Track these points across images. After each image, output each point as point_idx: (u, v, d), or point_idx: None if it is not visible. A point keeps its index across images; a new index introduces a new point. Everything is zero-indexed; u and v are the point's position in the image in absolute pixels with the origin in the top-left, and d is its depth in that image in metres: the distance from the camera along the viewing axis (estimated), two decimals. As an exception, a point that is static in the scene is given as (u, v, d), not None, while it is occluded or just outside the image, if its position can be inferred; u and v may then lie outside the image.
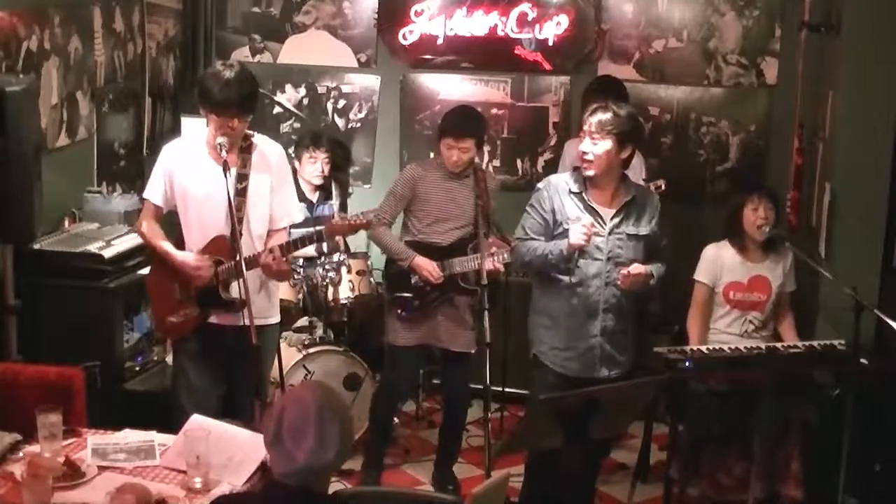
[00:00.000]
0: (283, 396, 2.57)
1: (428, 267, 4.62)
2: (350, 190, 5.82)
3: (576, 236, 3.86)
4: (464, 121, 4.69)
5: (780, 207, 4.78)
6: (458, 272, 4.66)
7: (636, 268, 3.91)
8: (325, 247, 5.13)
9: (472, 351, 4.81)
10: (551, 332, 4.08)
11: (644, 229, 4.03)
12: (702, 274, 4.61)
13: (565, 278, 3.99)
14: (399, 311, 4.70)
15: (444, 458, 4.98)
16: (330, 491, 2.59)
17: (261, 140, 4.10)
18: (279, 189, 4.11)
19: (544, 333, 4.11)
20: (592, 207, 3.98)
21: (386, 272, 4.91)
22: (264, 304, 4.11)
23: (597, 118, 3.88)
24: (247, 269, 3.78)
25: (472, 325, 4.79)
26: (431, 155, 5.37)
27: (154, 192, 4.09)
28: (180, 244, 4.13)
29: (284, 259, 3.94)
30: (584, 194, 3.98)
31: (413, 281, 4.68)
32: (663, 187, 4.92)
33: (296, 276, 5.17)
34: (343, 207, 5.68)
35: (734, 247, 4.57)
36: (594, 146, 3.87)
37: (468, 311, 4.78)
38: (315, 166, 5.41)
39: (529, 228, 4.07)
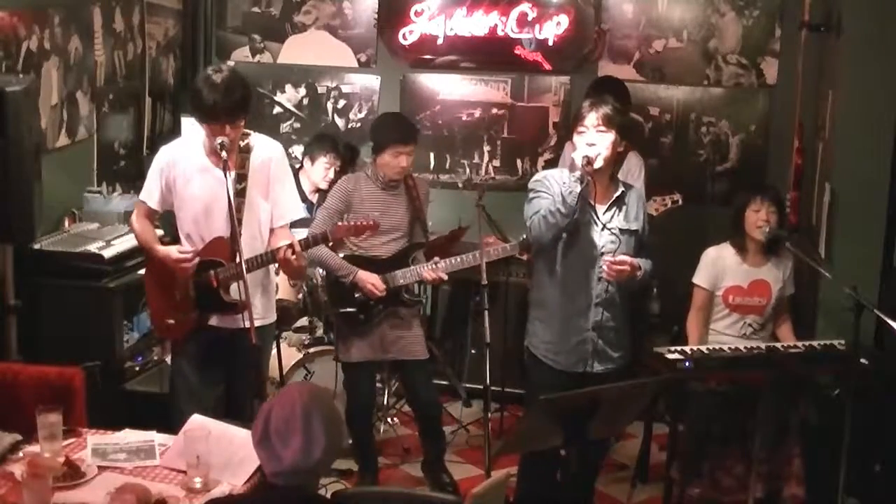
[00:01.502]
0: (271, 397, 2.58)
1: (371, 280, 4.57)
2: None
3: (582, 150, 3.86)
4: (408, 127, 4.71)
5: (783, 210, 4.77)
6: (402, 284, 4.64)
7: (621, 257, 3.92)
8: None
9: (426, 357, 4.80)
10: (545, 325, 4.09)
11: (634, 224, 4.05)
12: (701, 278, 4.60)
13: (558, 260, 3.98)
14: (343, 326, 4.68)
15: (432, 460, 4.96)
16: (330, 491, 2.60)
17: (259, 139, 4.09)
18: (279, 187, 4.10)
19: (539, 326, 4.12)
20: (588, 202, 3.99)
21: (327, 288, 4.87)
22: (262, 304, 4.11)
23: (602, 111, 3.90)
24: (248, 271, 3.77)
25: (420, 332, 4.78)
26: (431, 156, 5.36)
27: (149, 195, 4.07)
28: (175, 243, 4.13)
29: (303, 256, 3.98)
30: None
31: (357, 295, 4.62)
32: (680, 202, 4.90)
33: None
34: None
35: (735, 248, 4.57)
36: (602, 138, 3.89)
37: (414, 320, 4.76)
38: (329, 172, 5.46)
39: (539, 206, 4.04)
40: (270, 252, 3.97)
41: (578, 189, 3.84)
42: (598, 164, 3.88)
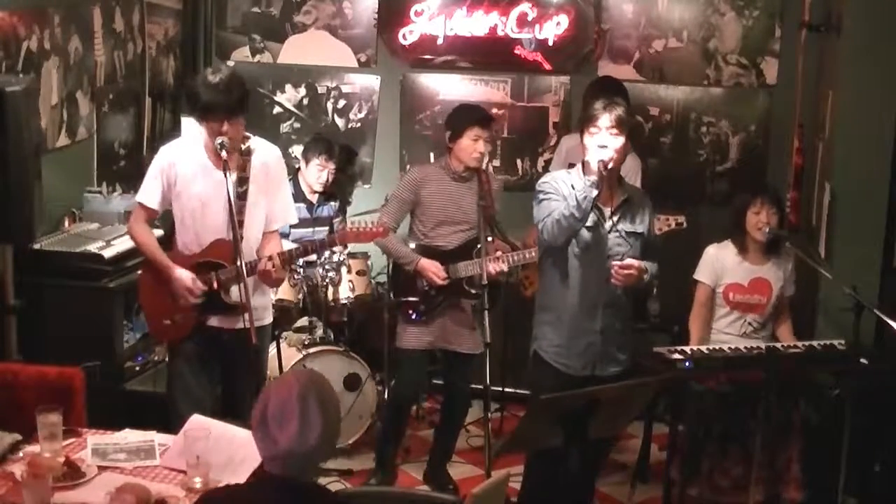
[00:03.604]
0: (270, 383, 2.59)
1: (433, 269, 4.63)
2: (350, 199, 5.85)
3: (596, 153, 3.85)
4: (486, 113, 4.76)
5: (783, 211, 4.77)
6: (464, 276, 4.66)
7: (628, 261, 3.92)
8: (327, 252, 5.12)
9: (479, 352, 4.82)
10: (553, 329, 4.08)
11: (640, 227, 4.05)
12: (702, 274, 4.61)
13: (572, 263, 3.97)
14: (410, 314, 4.71)
15: (440, 457, 4.98)
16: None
17: (258, 143, 4.10)
18: (276, 191, 4.12)
19: (547, 330, 4.11)
20: (595, 204, 3.98)
21: (393, 277, 4.91)
22: (260, 305, 4.12)
23: (615, 113, 3.88)
24: (248, 274, 3.79)
25: (477, 326, 4.80)
26: (431, 155, 5.36)
27: (149, 195, 4.07)
28: (171, 243, 4.13)
29: (283, 268, 4.01)
30: None
31: (419, 285, 4.67)
32: (685, 224, 4.89)
33: (296, 277, 5.17)
34: (342, 209, 5.68)
35: (736, 247, 4.57)
36: (615, 141, 3.88)
37: (475, 314, 4.78)
38: (322, 174, 5.44)
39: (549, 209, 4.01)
40: (255, 261, 3.98)
41: (594, 194, 3.83)
42: (611, 166, 3.88)
